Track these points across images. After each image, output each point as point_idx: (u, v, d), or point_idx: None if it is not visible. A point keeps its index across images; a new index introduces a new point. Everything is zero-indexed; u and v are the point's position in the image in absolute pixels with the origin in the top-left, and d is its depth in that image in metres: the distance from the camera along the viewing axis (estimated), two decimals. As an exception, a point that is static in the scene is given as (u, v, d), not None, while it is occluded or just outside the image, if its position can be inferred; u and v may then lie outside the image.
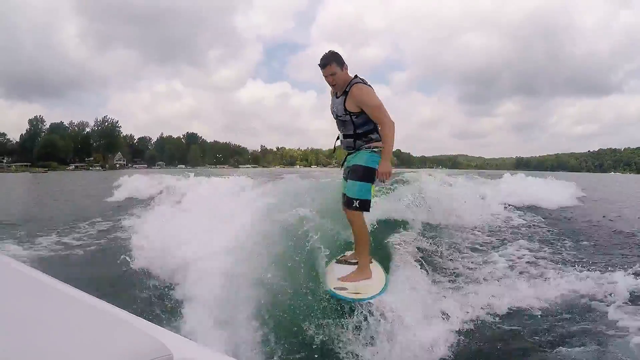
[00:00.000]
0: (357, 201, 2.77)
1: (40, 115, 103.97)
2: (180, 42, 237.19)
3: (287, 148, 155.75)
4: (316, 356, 2.26)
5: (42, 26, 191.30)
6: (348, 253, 3.24)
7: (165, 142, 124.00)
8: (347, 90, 2.77)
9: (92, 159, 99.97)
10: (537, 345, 2.49)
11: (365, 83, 2.79)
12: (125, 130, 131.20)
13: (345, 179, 2.99)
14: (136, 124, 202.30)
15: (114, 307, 0.98)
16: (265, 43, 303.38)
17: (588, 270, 3.80)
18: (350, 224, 2.90)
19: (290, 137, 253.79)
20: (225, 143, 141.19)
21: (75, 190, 19.66)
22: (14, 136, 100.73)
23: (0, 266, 1.15)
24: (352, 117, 2.79)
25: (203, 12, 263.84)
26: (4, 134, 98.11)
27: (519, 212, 8.18)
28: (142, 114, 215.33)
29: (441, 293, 3.16)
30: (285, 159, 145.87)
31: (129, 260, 3.52)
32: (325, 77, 2.78)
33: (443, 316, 2.71)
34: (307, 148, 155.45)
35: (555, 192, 10.78)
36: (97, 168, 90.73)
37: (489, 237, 5.66)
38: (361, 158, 2.84)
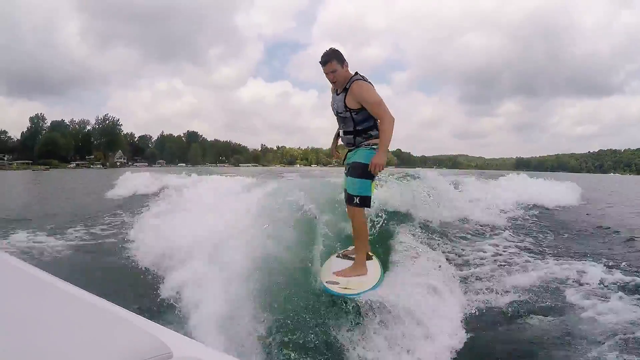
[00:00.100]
0: (358, 197, 2.83)
1: (41, 113, 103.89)
2: (181, 40, 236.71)
3: (287, 147, 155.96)
4: (317, 355, 2.26)
5: (43, 24, 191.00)
6: (351, 248, 3.25)
7: (165, 141, 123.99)
8: (347, 87, 2.81)
9: (92, 157, 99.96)
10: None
11: (366, 80, 2.83)
12: (125, 129, 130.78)
13: (346, 175, 3.03)
14: (137, 122, 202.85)
15: (113, 305, 0.98)
16: (266, 42, 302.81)
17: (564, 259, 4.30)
18: (351, 219, 2.96)
19: (290, 136, 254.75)
20: (226, 142, 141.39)
21: (76, 187, 19.70)
22: (15, 134, 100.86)
23: (0, 263, 1.15)
24: (352, 113, 2.84)
25: (204, 10, 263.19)
26: (4, 132, 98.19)
27: (521, 210, 8.22)
28: (143, 112, 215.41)
29: (440, 290, 3.16)
30: (285, 158, 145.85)
31: (130, 258, 3.52)
32: (326, 74, 2.82)
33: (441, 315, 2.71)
34: (308, 147, 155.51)
35: (556, 191, 11.01)
36: (98, 166, 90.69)
37: (489, 237, 5.66)
38: (361, 155, 2.88)
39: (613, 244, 5.44)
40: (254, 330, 2.32)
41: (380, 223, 3.97)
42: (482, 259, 4.37)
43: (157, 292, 2.93)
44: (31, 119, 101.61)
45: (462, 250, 4.69)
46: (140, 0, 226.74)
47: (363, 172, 2.82)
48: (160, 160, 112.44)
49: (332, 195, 4.17)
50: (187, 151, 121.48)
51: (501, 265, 4.15)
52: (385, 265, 3.21)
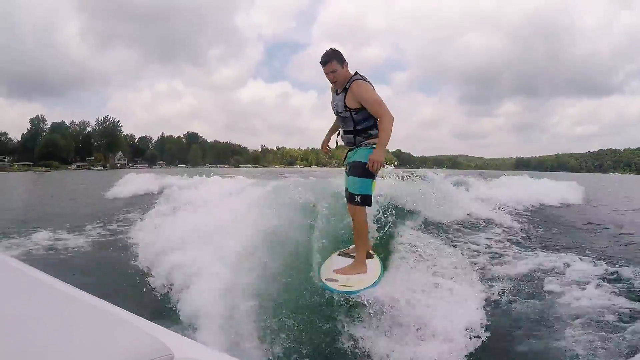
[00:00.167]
0: (359, 196, 2.86)
1: (41, 115, 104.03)
2: (181, 41, 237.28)
3: (287, 148, 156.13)
4: (317, 354, 2.26)
5: (43, 25, 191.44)
6: (352, 247, 3.25)
7: (165, 142, 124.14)
8: (347, 87, 2.82)
9: (93, 158, 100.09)
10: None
11: (365, 80, 2.85)
12: (125, 130, 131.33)
13: (347, 174, 3.04)
14: (137, 123, 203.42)
15: (114, 306, 0.98)
16: (266, 42, 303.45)
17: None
18: (351, 217, 2.98)
19: (290, 137, 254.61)
20: (226, 142, 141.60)
21: (77, 189, 19.71)
22: (15, 135, 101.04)
23: (1, 265, 1.15)
24: (352, 113, 2.85)
25: (204, 11, 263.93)
26: (5, 134, 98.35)
27: (521, 209, 8.25)
28: (143, 113, 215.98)
29: (439, 288, 3.17)
30: (285, 158, 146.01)
31: (132, 259, 3.52)
32: (326, 74, 2.83)
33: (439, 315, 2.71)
34: (308, 148, 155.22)
35: (556, 190, 11.19)
36: (99, 167, 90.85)
37: (492, 234, 5.67)
38: (361, 154, 2.90)
39: (601, 238, 5.70)
40: (254, 330, 2.31)
41: (389, 225, 3.97)
42: (475, 250, 4.52)
43: (158, 292, 2.94)
44: (31, 121, 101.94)
45: (462, 245, 4.70)
46: (140, 0, 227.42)
47: (364, 171, 2.83)
48: (161, 162, 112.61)
49: (332, 194, 4.17)
50: (187, 152, 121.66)
51: (493, 256, 4.33)
52: (386, 263, 3.21)
